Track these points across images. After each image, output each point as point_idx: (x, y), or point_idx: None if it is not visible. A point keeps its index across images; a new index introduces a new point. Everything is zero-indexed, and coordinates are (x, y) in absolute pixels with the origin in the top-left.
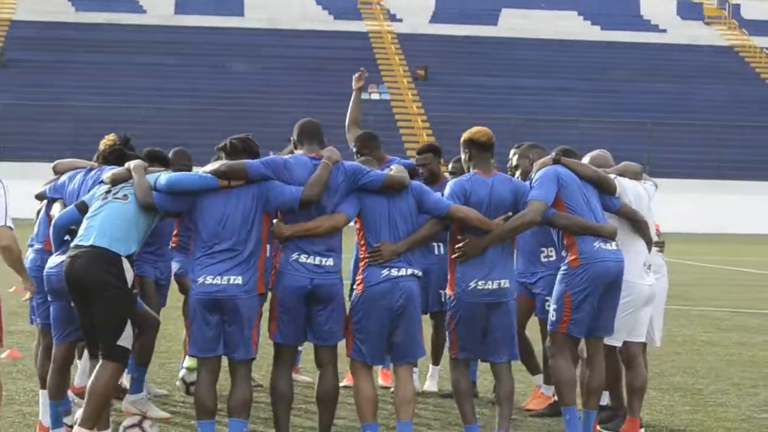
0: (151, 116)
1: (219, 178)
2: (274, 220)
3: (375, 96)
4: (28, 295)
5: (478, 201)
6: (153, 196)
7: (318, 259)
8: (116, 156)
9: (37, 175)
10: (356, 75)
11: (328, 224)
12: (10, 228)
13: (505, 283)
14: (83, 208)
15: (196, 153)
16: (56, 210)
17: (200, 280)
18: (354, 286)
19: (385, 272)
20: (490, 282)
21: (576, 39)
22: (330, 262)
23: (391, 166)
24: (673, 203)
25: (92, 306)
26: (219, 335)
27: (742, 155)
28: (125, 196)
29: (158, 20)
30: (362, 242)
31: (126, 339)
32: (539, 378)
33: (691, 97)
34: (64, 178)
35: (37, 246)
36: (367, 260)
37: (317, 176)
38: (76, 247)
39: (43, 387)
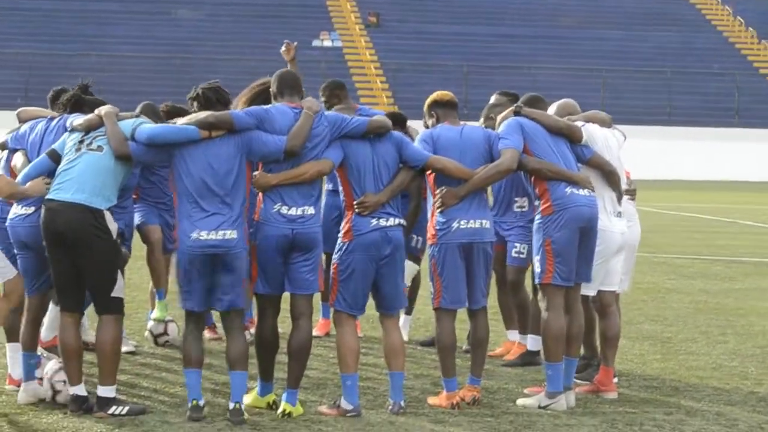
0: (99, 64)
1: (206, 129)
2: (256, 172)
3: (327, 43)
4: None
5: (447, 143)
6: (129, 146)
7: (299, 209)
8: (74, 103)
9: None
10: (283, 48)
11: (314, 170)
12: None
13: (485, 223)
14: (55, 157)
15: (147, 100)
16: (18, 160)
17: (193, 235)
18: (340, 235)
19: (374, 222)
20: (472, 221)
21: None
22: (311, 210)
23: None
24: (627, 149)
25: (79, 261)
26: (208, 288)
27: (694, 102)
28: (99, 147)
29: None
30: (347, 190)
31: (119, 289)
32: (513, 333)
33: (642, 44)
34: (25, 127)
35: None
36: (354, 209)
37: (299, 126)
38: (53, 200)
39: (9, 340)
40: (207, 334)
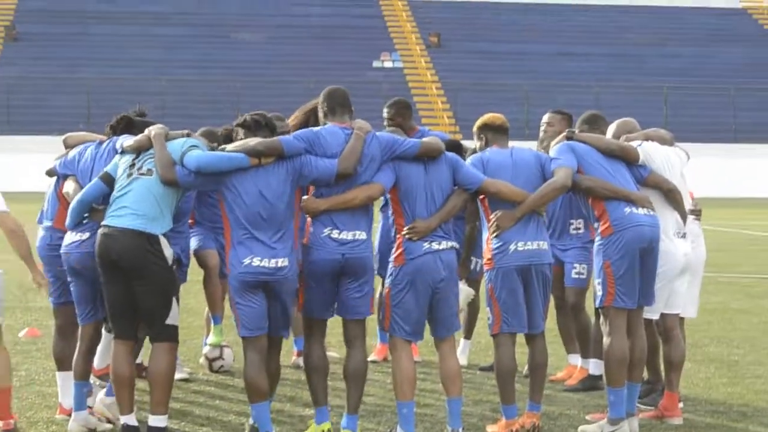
0: (162, 88)
1: (254, 156)
2: (304, 197)
3: (388, 64)
4: (42, 292)
5: (498, 167)
6: (176, 172)
7: (350, 233)
8: (125, 124)
9: (49, 149)
10: None
11: (363, 195)
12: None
13: (543, 245)
14: (108, 180)
15: (208, 124)
16: (70, 187)
17: (246, 261)
18: (391, 260)
19: (426, 245)
20: (529, 243)
21: (590, 3)
22: (363, 235)
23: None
24: (690, 168)
25: (134, 287)
26: (266, 312)
27: (759, 118)
28: (149, 171)
29: None
30: (399, 213)
31: (173, 317)
32: (574, 357)
33: (707, 60)
34: (73, 153)
35: (47, 224)
36: (404, 233)
37: (351, 148)
38: (108, 225)
39: (59, 368)
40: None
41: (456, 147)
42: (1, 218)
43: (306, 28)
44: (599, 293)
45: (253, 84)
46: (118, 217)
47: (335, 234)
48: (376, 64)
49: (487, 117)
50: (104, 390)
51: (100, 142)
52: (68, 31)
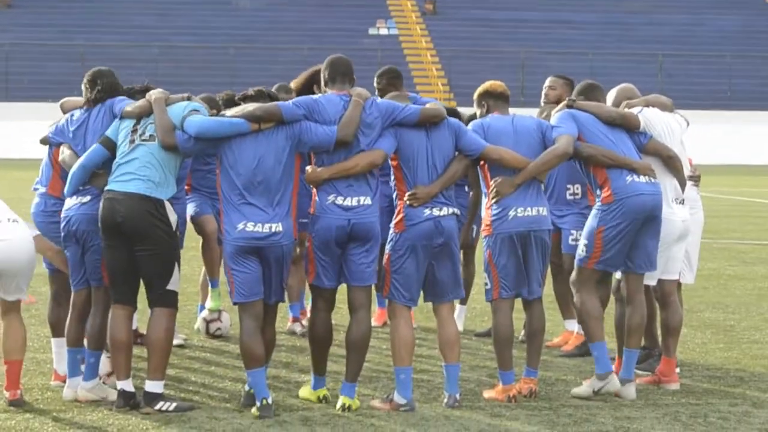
0: (158, 55)
1: (253, 122)
2: (308, 167)
3: (383, 31)
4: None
5: (499, 133)
6: (177, 137)
7: (355, 199)
8: (111, 90)
9: (45, 116)
10: None
11: (365, 161)
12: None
13: (543, 211)
14: (109, 145)
15: (203, 91)
16: (67, 154)
17: (240, 226)
18: (392, 225)
19: (427, 211)
20: (529, 209)
21: None
22: (368, 200)
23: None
24: (686, 135)
25: (137, 251)
26: (260, 278)
27: (754, 86)
28: (152, 136)
29: None
30: (400, 179)
31: (174, 282)
32: (571, 323)
33: (701, 28)
34: (63, 120)
35: (41, 190)
36: (406, 199)
37: (350, 115)
38: (113, 190)
39: (54, 335)
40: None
41: (453, 115)
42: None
43: None
44: (582, 253)
45: (248, 51)
46: (124, 182)
47: (340, 200)
48: (372, 31)
49: (488, 84)
50: (82, 377)
51: (89, 108)
52: None
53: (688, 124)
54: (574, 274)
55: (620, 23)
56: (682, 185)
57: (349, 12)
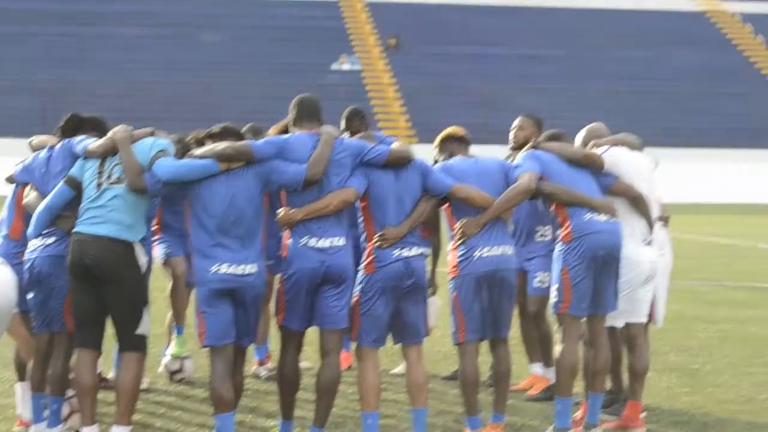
0: (124, 90)
1: (224, 161)
2: (279, 209)
3: (346, 66)
4: None
5: (463, 174)
6: (146, 180)
7: (329, 240)
8: (72, 125)
9: (5, 152)
10: None
11: (338, 200)
12: None
13: (508, 250)
14: (74, 184)
15: (170, 126)
16: (32, 197)
17: (214, 268)
18: (361, 267)
19: (396, 252)
20: (495, 248)
21: (548, 6)
22: (341, 241)
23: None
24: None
25: (106, 295)
26: (232, 321)
27: (714, 123)
28: (119, 179)
29: None
30: (369, 220)
31: (144, 327)
32: (536, 366)
33: (663, 64)
34: (30, 158)
35: (4, 232)
36: (375, 240)
37: (319, 153)
38: (82, 233)
39: (20, 378)
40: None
41: None
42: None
43: (267, 29)
44: (555, 299)
45: (213, 86)
46: (93, 224)
47: (313, 242)
48: (334, 66)
49: (450, 129)
50: (45, 422)
51: (52, 146)
52: (24, 31)
53: (657, 163)
54: (557, 325)
55: (582, 59)
56: (650, 226)
57: (312, 46)
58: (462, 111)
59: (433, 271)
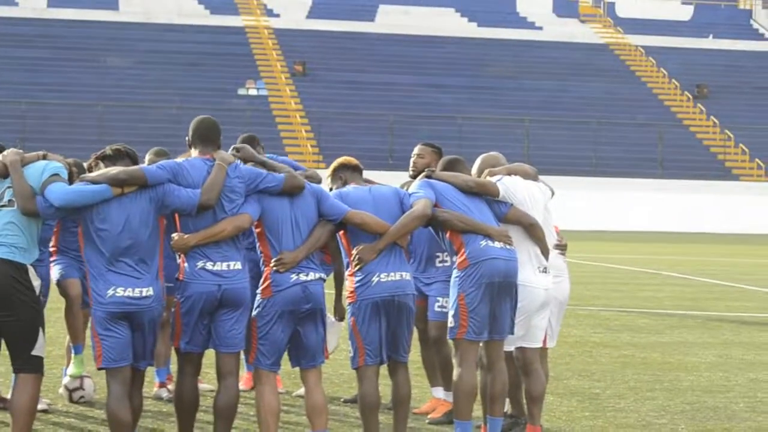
0: (26, 111)
1: (117, 186)
2: (174, 234)
3: (252, 92)
4: None
5: (358, 201)
6: (37, 204)
7: (225, 264)
8: None
9: None
10: None
11: (232, 226)
12: None
13: (406, 275)
14: None
15: (71, 148)
16: None
17: (110, 292)
18: (258, 291)
19: (294, 276)
20: (392, 274)
21: (453, 35)
22: (237, 265)
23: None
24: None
25: (1, 318)
26: (129, 343)
27: (618, 152)
28: (11, 201)
29: (31, 13)
30: (265, 245)
31: (39, 348)
32: (438, 390)
33: (567, 94)
34: None
35: None
36: (272, 266)
37: (212, 180)
38: None
39: None
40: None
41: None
42: None
43: (174, 54)
44: (451, 325)
45: (117, 109)
46: None
47: (209, 266)
48: (241, 91)
49: (342, 158)
50: None
51: None
52: None
53: (553, 192)
54: (453, 350)
55: (488, 88)
56: (545, 253)
57: (219, 71)
58: (367, 137)
59: (338, 296)
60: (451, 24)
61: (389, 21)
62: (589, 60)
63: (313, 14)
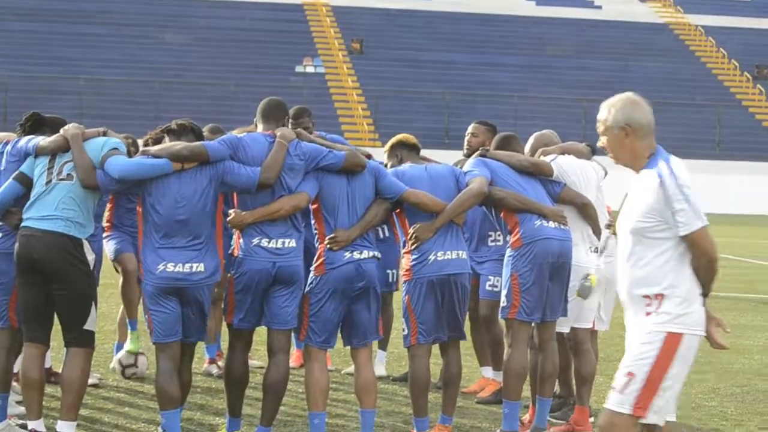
0: (84, 87)
1: (178, 161)
2: (231, 210)
3: (310, 69)
4: None
5: (415, 180)
6: (97, 177)
7: (280, 241)
8: (33, 123)
9: None
10: None
11: (289, 205)
12: None
13: (462, 254)
14: (25, 180)
15: (128, 125)
16: None
17: (160, 267)
18: (312, 268)
19: (347, 254)
20: (448, 253)
21: (511, 14)
22: (293, 243)
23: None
24: (607, 183)
25: (53, 291)
26: (179, 318)
27: (676, 133)
28: (69, 175)
29: None
30: (320, 222)
31: (91, 322)
32: (487, 370)
33: (626, 74)
34: None
35: None
36: (326, 242)
37: (273, 157)
38: (30, 228)
39: None
40: (208, 366)
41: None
42: None
43: (232, 30)
44: (504, 304)
45: (174, 85)
46: (40, 220)
47: (265, 243)
48: (298, 68)
49: (401, 135)
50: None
51: (7, 142)
52: None
53: (606, 172)
54: (505, 329)
55: (546, 67)
56: (597, 234)
57: (276, 49)
58: (424, 116)
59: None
60: (509, 2)
61: None
62: (648, 39)
63: None
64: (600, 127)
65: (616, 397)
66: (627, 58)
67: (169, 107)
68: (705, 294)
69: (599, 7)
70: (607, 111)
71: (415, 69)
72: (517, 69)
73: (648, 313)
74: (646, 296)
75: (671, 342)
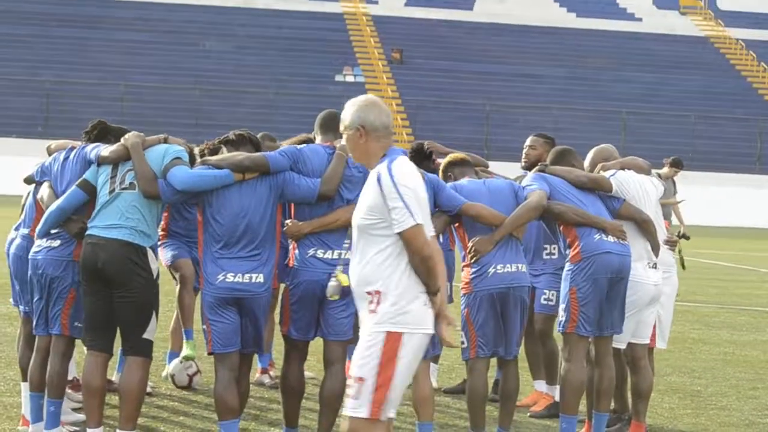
0: (124, 93)
1: (240, 172)
2: (288, 221)
3: (350, 78)
4: None
5: (473, 194)
6: (159, 186)
7: (336, 252)
8: (99, 131)
9: (8, 151)
10: None
11: (346, 217)
12: None
13: (522, 267)
14: (88, 188)
15: (167, 132)
16: (45, 192)
17: (220, 277)
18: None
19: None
20: (509, 265)
21: (551, 26)
22: (348, 254)
23: None
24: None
25: (116, 299)
26: (238, 329)
27: (716, 147)
28: (132, 184)
29: None
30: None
31: (150, 332)
32: (540, 383)
33: (665, 87)
34: (49, 160)
35: (24, 231)
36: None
37: (333, 169)
38: (95, 236)
39: (24, 378)
40: (261, 376)
41: (420, 151)
42: None
43: (272, 39)
44: (562, 319)
45: (214, 93)
46: (105, 228)
47: (320, 253)
48: (338, 78)
49: (448, 157)
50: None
51: (72, 148)
52: (30, 33)
53: (665, 187)
54: (563, 343)
55: (585, 79)
56: (656, 249)
57: (316, 58)
58: (463, 126)
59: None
60: (549, 14)
61: (487, 10)
62: (688, 53)
63: (411, 2)
64: (341, 127)
65: (352, 403)
66: (667, 71)
67: (209, 115)
68: (431, 292)
69: (639, 20)
70: (347, 112)
71: (455, 79)
72: (557, 80)
73: (371, 311)
74: (369, 293)
75: (391, 341)
